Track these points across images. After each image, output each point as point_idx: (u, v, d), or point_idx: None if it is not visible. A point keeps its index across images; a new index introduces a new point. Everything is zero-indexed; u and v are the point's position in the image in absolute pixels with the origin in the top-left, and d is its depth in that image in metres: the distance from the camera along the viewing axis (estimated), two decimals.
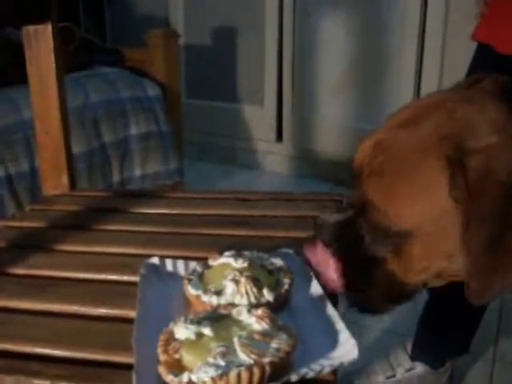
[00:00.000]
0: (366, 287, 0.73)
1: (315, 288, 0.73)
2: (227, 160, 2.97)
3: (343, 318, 0.67)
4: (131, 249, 0.89)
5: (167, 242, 0.92)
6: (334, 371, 0.60)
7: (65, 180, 1.15)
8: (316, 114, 2.73)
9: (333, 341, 0.64)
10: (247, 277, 0.69)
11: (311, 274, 0.76)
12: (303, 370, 0.59)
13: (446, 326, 1.40)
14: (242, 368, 0.55)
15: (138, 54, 2.14)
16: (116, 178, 1.89)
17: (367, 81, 2.56)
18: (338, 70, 2.62)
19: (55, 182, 1.16)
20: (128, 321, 0.70)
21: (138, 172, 1.95)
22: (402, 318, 1.64)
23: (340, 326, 0.65)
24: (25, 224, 1.02)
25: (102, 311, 0.73)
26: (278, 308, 0.69)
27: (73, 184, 1.17)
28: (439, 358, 1.44)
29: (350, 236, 0.72)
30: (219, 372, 0.55)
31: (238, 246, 0.87)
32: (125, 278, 0.81)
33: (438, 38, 2.31)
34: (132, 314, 0.71)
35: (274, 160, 2.92)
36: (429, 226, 0.66)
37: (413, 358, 1.44)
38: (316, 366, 0.59)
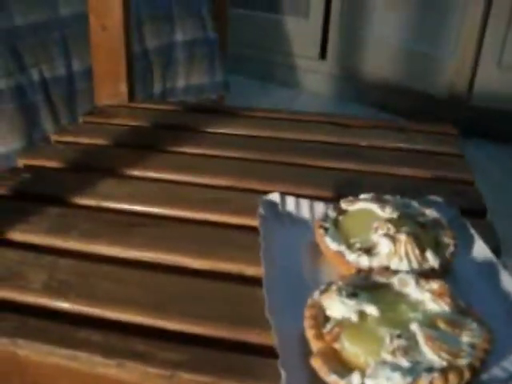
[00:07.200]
0: None
1: (482, 251, 0.56)
2: (264, 75, 2.75)
3: None
4: (223, 179, 0.72)
5: (266, 173, 0.74)
6: None
7: (123, 88, 0.97)
8: (367, 31, 2.48)
9: None
10: (408, 234, 0.52)
11: (472, 231, 0.59)
12: (495, 371, 0.43)
13: None
14: (436, 374, 0.39)
15: None
16: (157, 88, 1.69)
17: None
18: None
19: (111, 90, 0.97)
20: (245, 280, 0.54)
21: (181, 83, 1.74)
22: None
23: None
24: (81, 140, 0.84)
25: (208, 264, 0.56)
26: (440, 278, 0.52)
27: (131, 93, 0.98)
28: None
29: None
30: (408, 380, 0.39)
31: (357, 184, 0.71)
32: (224, 218, 0.63)
33: None
34: (249, 270, 0.54)
35: (315, 79, 2.69)
36: None
37: None
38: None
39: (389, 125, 0.91)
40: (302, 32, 2.66)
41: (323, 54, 2.66)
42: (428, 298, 0.45)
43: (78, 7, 1.37)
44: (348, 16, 2.52)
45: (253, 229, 0.59)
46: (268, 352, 0.44)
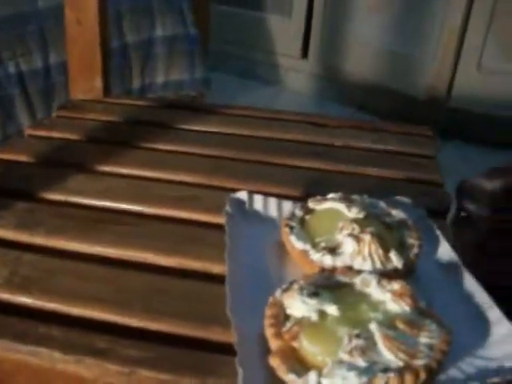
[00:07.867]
0: None
1: (446, 252, 0.57)
2: (246, 73, 2.75)
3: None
4: (194, 177, 0.72)
5: (237, 171, 0.74)
6: None
7: (98, 82, 0.96)
8: (349, 32, 2.49)
9: (485, 331, 0.48)
10: (372, 234, 0.53)
11: (438, 232, 0.59)
12: (453, 372, 0.43)
13: None
14: (391, 374, 0.40)
15: None
16: (136, 83, 1.69)
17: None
18: None
19: (86, 85, 0.96)
20: (211, 278, 0.54)
21: (160, 79, 1.73)
22: None
23: (495, 312, 0.49)
24: (54, 134, 0.84)
25: (175, 261, 0.56)
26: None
27: (107, 88, 0.98)
28: None
29: None
30: (364, 380, 0.39)
31: (326, 184, 0.71)
32: (193, 215, 0.64)
33: None
34: (215, 268, 0.54)
35: (297, 77, 2.70)
36: None
37: None
38: (470, 369, 0.44)
39: (365, 125, 0.91)
40: (284, 30, 2.66)
41: (305, 52, 2.67)
42: (389, 299, 0.46)
43: (56, 0, 1.36)
44: (330, 16, 2.53)
45: (221, 227, 0.59)
46: (229, 350, 0.44)
